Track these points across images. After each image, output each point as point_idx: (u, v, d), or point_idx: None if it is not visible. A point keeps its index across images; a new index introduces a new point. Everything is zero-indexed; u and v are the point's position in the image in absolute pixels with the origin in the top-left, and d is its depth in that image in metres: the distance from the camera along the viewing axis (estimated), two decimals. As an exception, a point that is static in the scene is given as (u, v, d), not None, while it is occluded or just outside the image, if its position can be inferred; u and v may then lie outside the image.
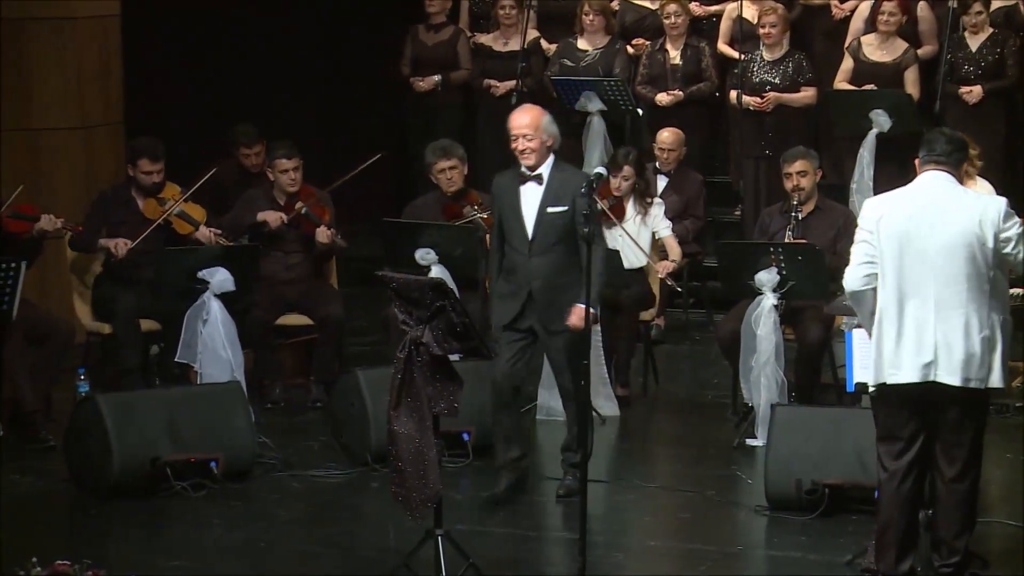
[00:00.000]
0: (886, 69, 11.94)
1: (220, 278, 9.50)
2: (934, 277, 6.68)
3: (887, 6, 11.91)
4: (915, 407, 6.74)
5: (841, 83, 12.08)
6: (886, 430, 6.82)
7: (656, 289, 10.56)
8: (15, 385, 9.43)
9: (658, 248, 10.59)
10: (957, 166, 6.88)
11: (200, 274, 9.50)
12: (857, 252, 6.84)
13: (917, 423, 6.76)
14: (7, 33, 11.15)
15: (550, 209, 8.16)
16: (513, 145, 8.22)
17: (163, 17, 12.58)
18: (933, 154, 6.83)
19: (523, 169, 8.23)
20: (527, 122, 8.19)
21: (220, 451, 8.65)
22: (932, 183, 6.82)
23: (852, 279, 6.84)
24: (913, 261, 6.70)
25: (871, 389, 6.85)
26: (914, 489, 6.79)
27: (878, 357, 6.76)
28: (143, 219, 10.04)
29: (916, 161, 6.93)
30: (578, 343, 7.79)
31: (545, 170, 8.21)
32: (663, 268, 10.40)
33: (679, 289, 10.67)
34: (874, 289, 6.77)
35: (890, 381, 6.73)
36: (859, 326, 7.46)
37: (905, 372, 6.71)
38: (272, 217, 10.25)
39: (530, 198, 8.22)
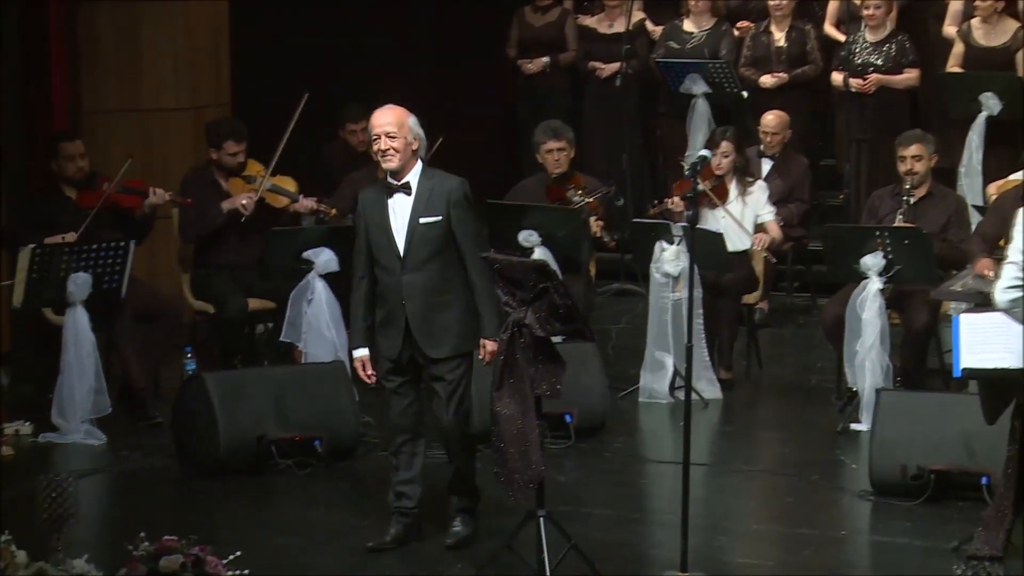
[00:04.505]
0: (996, 53, 11.77)
1: (325, 258, 9.56)
2: None
3: None
4: None
5: (953, 68, 11.93)
6: None
7: (760, 272, 10.51)
8: (124, 363, 9.57)
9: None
10: None
11: (305, 254, 9.57)
12: (1006, 273, 6.70)
13: None
14: (117, 15, 11.28)
15: (422, 220, 7.31)
16: (375, 146, 7.37)
17: (272, -2, 12.67)
18: None
19: (389, 179, 7.39)
20: (390, 119, 7.31)
21: (324, 430, 8.72)
22: None
23: (1000, 300, 6.71)
24: None
25: None
26: None
27: None
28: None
29: None
30: (462, 372, 7.41)
31: (413, 178, 7.35)
32: (759, 241, 10.31)
33: (774, 260, 10.57)
34: None
35: None
36: (966, 311, 7.39)
37: None
38: None
39: (399, 210, 7.36)
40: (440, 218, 7.33)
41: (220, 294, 9.97)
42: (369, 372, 7.50)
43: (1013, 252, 6.68)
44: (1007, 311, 6.69)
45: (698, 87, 12.13)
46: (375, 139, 7.37)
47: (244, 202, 9.93)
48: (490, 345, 7.33)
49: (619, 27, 12.74)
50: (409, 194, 7.37)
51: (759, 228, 10.50)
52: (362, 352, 7.51)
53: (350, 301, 7.65)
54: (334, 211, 10.20)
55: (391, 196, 7.39)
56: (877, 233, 9.37)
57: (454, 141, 10.90)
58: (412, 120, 7.38)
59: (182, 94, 11.46)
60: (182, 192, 10.13)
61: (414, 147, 7.37)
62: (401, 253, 7.35)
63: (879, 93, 11.94)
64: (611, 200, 10.92)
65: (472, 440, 7.58)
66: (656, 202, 10.97)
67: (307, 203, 10.17)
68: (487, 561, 7.19)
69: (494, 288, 7.26)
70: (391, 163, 7.33)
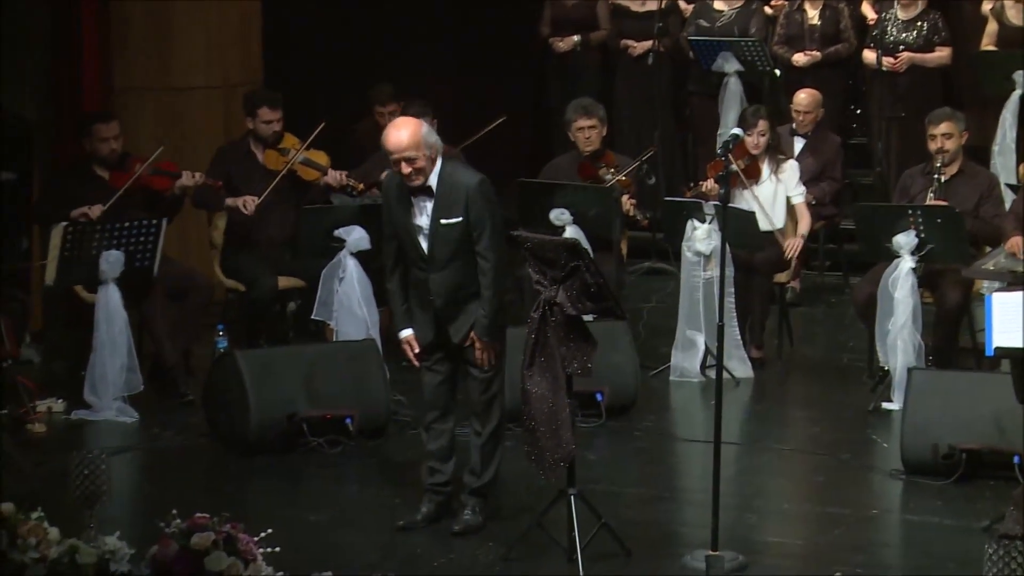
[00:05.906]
0: (1027, 33, 11.76)
1: (356, 236, 9.56)
2: None
3: None
4: None
5: (987, 47, 11.89)
6: None
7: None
8: (156, 341, 9.59)
9: (791, 214, 10.50)
10: None
11: (337, 232, 9.57)
12: None
13: None
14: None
15: (443, 221, 7.30)
16: (395, 169, 7.32)
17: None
18: None
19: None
20: (405, 144, 7.22)
21: (355, 408, 8.73)
22: None
23: None
24: None
25: None
26: None
27: None
28: (265, 171, 10.14)
29: None
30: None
31: (433, 180, 7.31)
32: (791, 247, 10.28)
33: (802, 273, 10.60)
34: None
35: None
36: (999, 290, 7.36)
37: None
38: None
39: (422, 211, 7.36)
40: (460, 219, 7.31)
41: (250, 273, 10.00)
42: (416, 351, 7.52)
43: None
44: None
45: (730, 65, 12.10)
46: (395, 163, 7.32)
47: (245, 203, 9.96)
48: (479, 343, 7.36)
49: (651, 5, 12.71)
50: (431, 196, 7.36)
51: (790, 210, 10.46)
52: (407, 332, 7.53)
53: (386, 287, 7.67)
54: (362, 185, 10.22)
55: (414, 195, 7.37)
56: (909, 212, 9.34)
57: (486, 120, 10.90)
58: (425, 130, 7.31)
59: (212, 73, 11.47)
60: (213, 163, 10.17)
61: (433, 156, 7.32)
62: (425, 253, 7.37)
63: (911, 71, 11.90)
64: (642, 178, 10.90)
65: (503, 427, 7.58)
66: (692, 184, 10.94)
67: (335, 175, 10.19)
68: (517, 539, 7.20)
69: (496, 290, 7.31)
70: (416, 183, 7.31)
